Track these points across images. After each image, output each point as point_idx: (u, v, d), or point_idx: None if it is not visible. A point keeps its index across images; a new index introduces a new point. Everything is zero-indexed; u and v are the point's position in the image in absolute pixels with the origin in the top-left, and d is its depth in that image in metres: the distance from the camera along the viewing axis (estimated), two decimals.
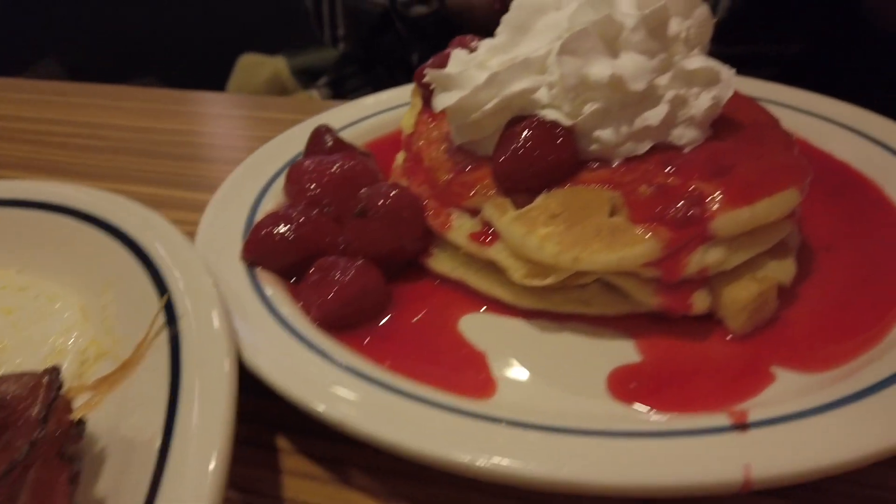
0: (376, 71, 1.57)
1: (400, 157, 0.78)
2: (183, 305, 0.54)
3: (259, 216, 0.71)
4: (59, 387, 0.45)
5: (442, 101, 0.64)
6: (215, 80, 2.05)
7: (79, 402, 0.51)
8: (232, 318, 0.56)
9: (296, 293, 0.62)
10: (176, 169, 0.98)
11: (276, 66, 2.04)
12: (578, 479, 0.43)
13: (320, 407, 0.48)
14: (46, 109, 1.18)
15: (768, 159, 0.61)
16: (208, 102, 1.24)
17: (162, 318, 0.54)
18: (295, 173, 0.72)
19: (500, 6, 1.16)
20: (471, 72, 0.64)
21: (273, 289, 0.62)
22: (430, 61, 0.74)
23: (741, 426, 0.46)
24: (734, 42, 1.17)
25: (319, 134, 0.79)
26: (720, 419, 0.46)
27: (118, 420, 0.48)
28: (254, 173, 0.78)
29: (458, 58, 0.66)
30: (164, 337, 0.52)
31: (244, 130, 1.15)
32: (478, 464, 0.44)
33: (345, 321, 0.59)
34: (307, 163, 0.73)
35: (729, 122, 0.65)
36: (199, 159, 1.01)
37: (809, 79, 1.11)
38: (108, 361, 0.55)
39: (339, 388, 0.51)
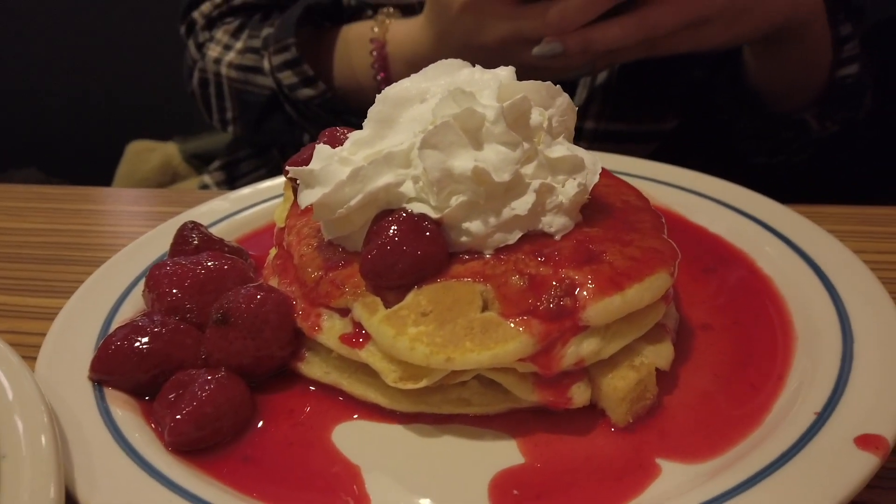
0: (270, 153, 1.55)
1: (273, 252, 0.74)
2: (8, 443, 0.48)
3: (115, 326, 0.65)
4: None
5: (306, 197, 0.61)
6: (103, 168, 1.97)
7: None
8: (69, 450, 0.50)
9: (150, 413, 0.56)
10: (35, 273, 0.91)
11: (167, 151, 1.99)
12: None
13: None
14: None
15: (637, 243, 0.61)
16: (79, 198, 1.17)
17: None
18: (154, 277, 0.67)
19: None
20: (334, 167, 0.62)
21: (123, 410, 0.56)
22: (295, 155, 0.72)
23: None
24: (614, 119, 1.22)
25: (184, 232, 0.75)
26: None
27: None
28: (111, 278, 0.73)
29: (321, 153, 0.64)
30: None
31: (116, 227, 1.08)
32: None
33: (201, 443, 0.54)
34: (168, 265, 0.68)
35: (599, 206, 0.65)
36: (62, 261, 0.94)
37: (685, 152, 1.16)
38: None
39: None
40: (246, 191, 0.91)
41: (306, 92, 1.20)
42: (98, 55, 2.52)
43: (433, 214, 0.58)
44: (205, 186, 1.55)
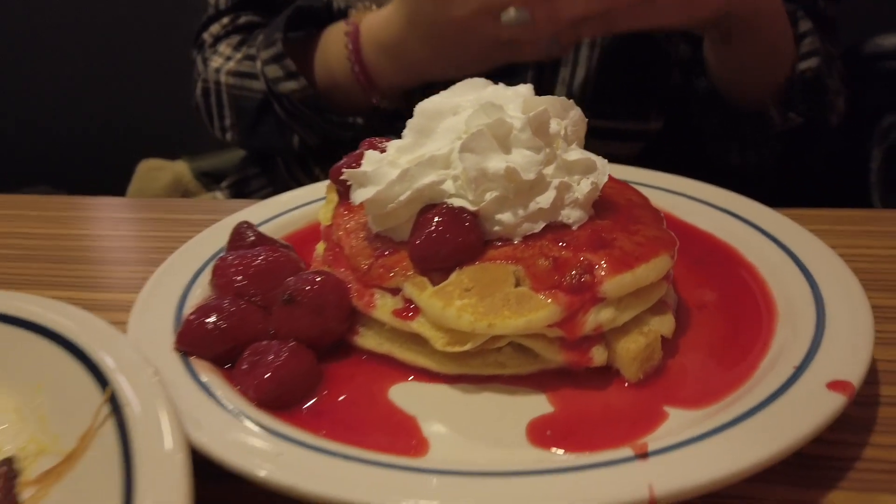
0: (276, 171, 1.63)
1: (320, 247, 0.84)
2: (124, 395, 0.57)
3: (186, 310, 0.75)
4: (15, 476, 0.46)
5: (360, 195, 0.72)
6: (114, 185, 2.06)
7: (24, 497, 0.51)
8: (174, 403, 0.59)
9: (231, 378, 0.66)
10: (95, 272, 1.00)
11: (176, 169, 2.07)
12: None
13: (264, 473, 0.52)
14: None
15: (642, 232, 0.72)
16: (111, 207, 1.26)
17: (106, 408, 0.56)
18: (221, 267, 0.77)
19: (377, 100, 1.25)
20: (384, 169, 0.72)
21: (209, 375, 0.65)
22: (343, 161, 0.82)
23: (643, 455, 0.53)
24: (595, 116, 1.31)
25: (241, 230, 0.85)
26: (625, 451, 0.54)
27: None
28: (177, 270, 0.82)
29: (371, 157, 0.74)
30: (108, 426, 0.55)
31: (152, 232, 1.17)
32: None
33: (281, 400, 0.63)
34: (232, 257, 0.77)
35: (607, 203, 0.76)
36: (114, 262, 1.03)
37: (673, 154, 1.25)
38: (49, 457, 0.56)
39: (282, 456, 0.54)
40: (284, 197, 1.00)
41: (289, 85, 1.27)
42: (106, 77, 2.61)
43: (471, 207, 0.69)
44: None
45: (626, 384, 0.65)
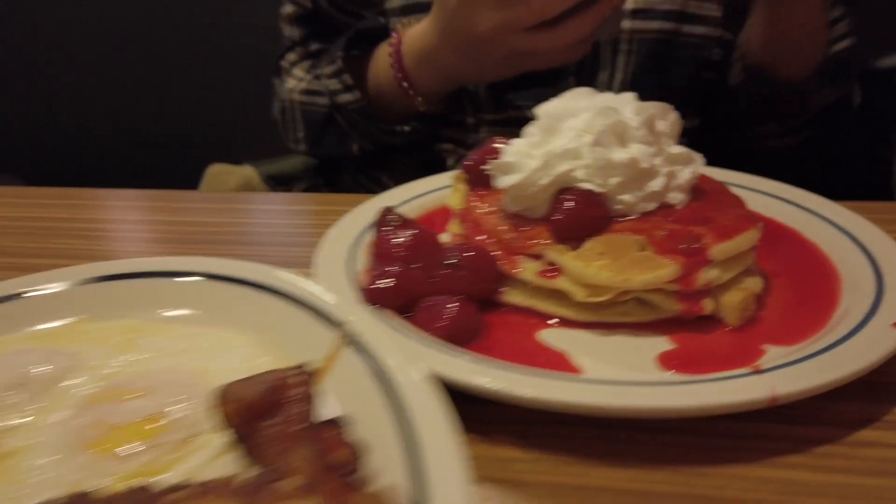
0: (343, 181, 1.80)
1: (453, 226, 1.01)
2: (356, 328, 0.73)
3: (355, 275, 0.91)
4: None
5: (505, 181, 0.89)
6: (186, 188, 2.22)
7: None
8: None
9: (413, 323, 0.83)
10: (226, 251, 1.16)
11: (244, 173, 2.24)
12: (656, 406, 0.67)
13: (483, 382, 0.69)
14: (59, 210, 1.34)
15: (733, 212, 0.89)
16: (222, 200, 1.43)
17: (341, 338, 0.73)
18: (380, 240, 0.94)
19: (427, 107, 1.41)
20: (523, 160, 0.89)
21: (394, 321, 0.82)
22: (476, 155, 0.99)
23: (758, 371, 0.70)
24: None
25: (386, 212, 1.02)
26: (744, 370, 0.71)
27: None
28: (336, 245, 0.98)
29: (509, 150, 0.91)
30: (348, 351, 0.71)
31: (270, 220, 1.34)
32: (595, 403, 0.67)
33: (458, 339, 0.80)
34: (386, 232, 0.95)
35: (700, 190, 0.93)
36: (250, 243, 1.20)
37: (712, 147, 1.39)
38: None
39: (484, 372, 0.71)
40: (414, 184, 1.17)
41: (346, 97, 1.47)
42: (176, 89, 2.80)
43: (598, 190, 0.86)
44: None
45: (728, 328, 0.82)
